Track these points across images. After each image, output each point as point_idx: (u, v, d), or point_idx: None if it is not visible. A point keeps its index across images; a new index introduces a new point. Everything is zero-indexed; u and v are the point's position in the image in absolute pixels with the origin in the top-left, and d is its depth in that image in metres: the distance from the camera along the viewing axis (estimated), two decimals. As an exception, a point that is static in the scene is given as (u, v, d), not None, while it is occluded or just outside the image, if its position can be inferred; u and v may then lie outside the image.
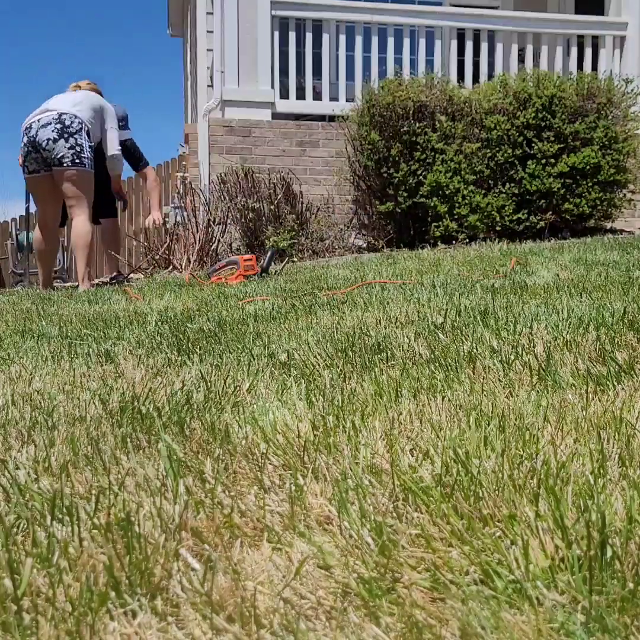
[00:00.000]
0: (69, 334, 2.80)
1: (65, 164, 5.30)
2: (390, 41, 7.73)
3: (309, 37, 7.60)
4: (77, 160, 5.30)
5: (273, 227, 6.46)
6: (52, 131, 5.30)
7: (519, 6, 9.38)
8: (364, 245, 6.86)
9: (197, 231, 6.52)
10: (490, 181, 6.47)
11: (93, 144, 5.52)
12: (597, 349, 1.83)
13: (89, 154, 5.41)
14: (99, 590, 0.85)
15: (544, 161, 6.42)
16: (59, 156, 5.29)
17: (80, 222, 5.40)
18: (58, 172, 5.35)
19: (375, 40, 7.70)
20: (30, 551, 0.95)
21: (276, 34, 7.50)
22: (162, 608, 0.83)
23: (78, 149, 5.32)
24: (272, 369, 1.91)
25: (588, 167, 6.42)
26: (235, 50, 7.45)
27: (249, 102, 7.47)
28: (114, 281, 6.07)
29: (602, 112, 6.56)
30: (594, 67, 8.00)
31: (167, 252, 6.48)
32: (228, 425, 1.40)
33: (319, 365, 1.90)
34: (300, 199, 6.81)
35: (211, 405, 1.59)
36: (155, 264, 6.60)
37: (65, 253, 11.45)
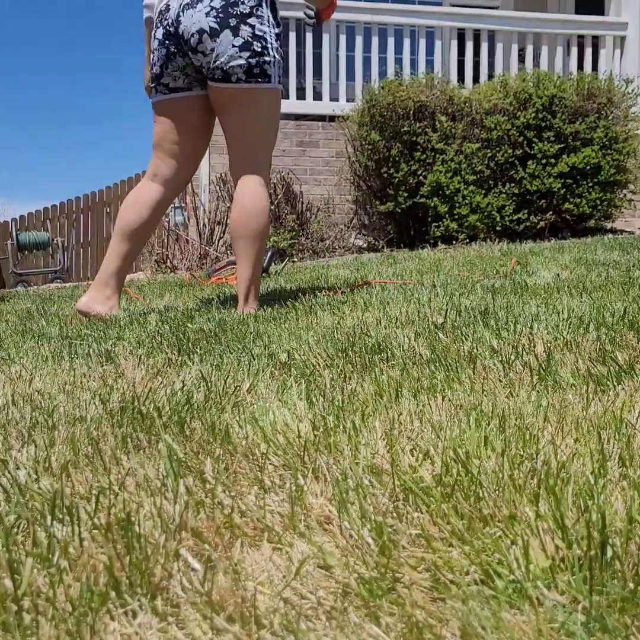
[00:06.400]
0: (69, 334, 2.80)
1: (235, 77, 2.90)
2: (391, 41, 7.73)
3: (309, 37, 7.59)
4: (257, 70, 2.91)
5: (273, 227, 6.46)
6: (208, 14, 2.85)
7: (519, 6, 9.39)
8: (364, 245, 6.86)
9: (197, 231, 6.52)
10: (490, 181, 6.47)
11: (280, 30, 3.02)
12: (598, 349, 1.83)
13: (276, 55, 2.96)
14: (99, 590, 0.85)
15: (544, 161, 6.42)
16: (220, 62, 2.89)
17: (253, 188, 2.99)
18: (219, 91, 2.96)
19: (375, 41, 7.69)
20: (31, 551, 0.95)
21: (276, 34, 7.50)
22: (163, 608, 0.83)
23: (258, 46, 2.90)
24: (273, 369, 1.91)
25: (588, 167, 6.43)
26: (235, 50, 7.44)
27: (249, 102, 7.46)
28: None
29: (602, 112, 6.57)
30: (594, 67, 8.00)
31: (167, 252, 6.48)
32: (228, 426, 1.40)
33: (319, 365, 1.90)
34: (301, 199, 6.81)
35: (211, 405, 1.59)
36: (156, 264, 6.60)
37: (65, 252, 11.38)
